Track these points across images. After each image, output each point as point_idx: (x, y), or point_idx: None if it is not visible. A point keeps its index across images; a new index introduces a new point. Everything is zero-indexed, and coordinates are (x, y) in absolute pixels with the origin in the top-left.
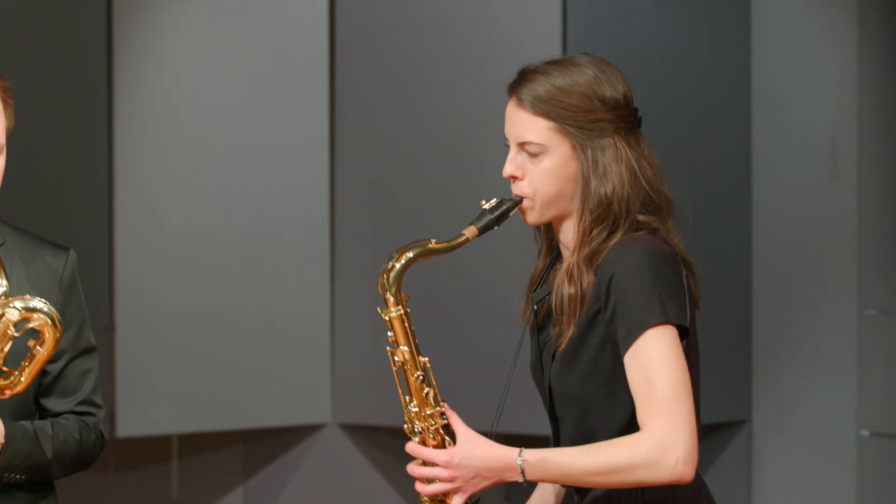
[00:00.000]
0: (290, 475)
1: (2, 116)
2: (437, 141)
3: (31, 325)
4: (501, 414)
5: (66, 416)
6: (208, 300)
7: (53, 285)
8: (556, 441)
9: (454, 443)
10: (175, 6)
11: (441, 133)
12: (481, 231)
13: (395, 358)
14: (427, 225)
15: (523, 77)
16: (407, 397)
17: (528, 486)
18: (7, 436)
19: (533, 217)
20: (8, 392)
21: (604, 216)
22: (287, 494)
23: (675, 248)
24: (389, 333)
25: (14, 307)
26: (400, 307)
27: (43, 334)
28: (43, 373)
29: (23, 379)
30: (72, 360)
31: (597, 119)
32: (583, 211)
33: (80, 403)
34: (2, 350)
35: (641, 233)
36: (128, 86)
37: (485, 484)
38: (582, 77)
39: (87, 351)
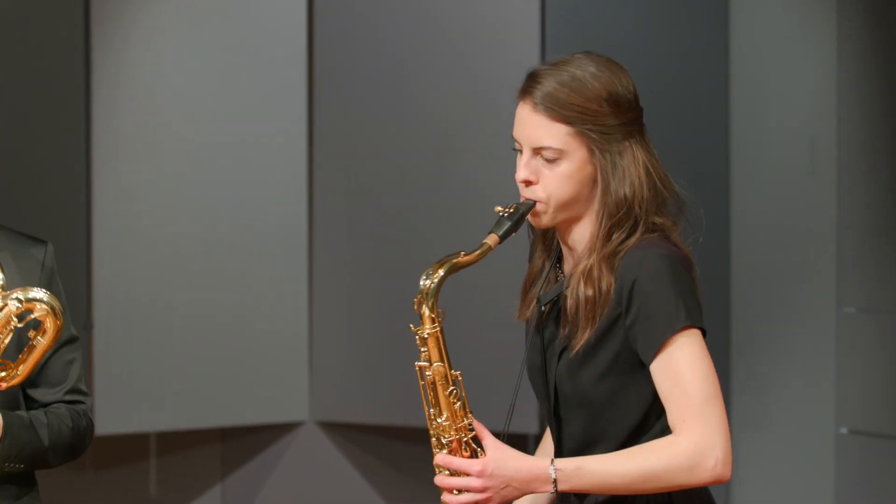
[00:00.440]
0: (269, 473)
1: None
2: (415, 138)
3: (33, 316)
4: (512, 415)
5: (55, 405)
6: (186, 298)
7: (35, 277)
8: (557, 442)
9: (484, 454)
10: (153, 2)
11: (419, 130)
12: (502, 238)
13: (426, 374)
14: (405, 223)
15: (536, 80)
16: (433, 410)
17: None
18: (5, 426)
19: (545, 220)
20: (4, 384)
21: (624, 219)
22: (265, 492)
23: (683, 249)
24: (423, 350)
25: (15, 298)
26: (436, 325)
27: (44, 324)
28: None
29: (20, 371)
30: (56, 351)
31: (614, 122)
32: (602, 213)
33: (69, 392)
34: (2, 342)
35: (655, 235)
36: (105, 82)
37: (514, 495)
38: (597, 80)
39: (70, 341)
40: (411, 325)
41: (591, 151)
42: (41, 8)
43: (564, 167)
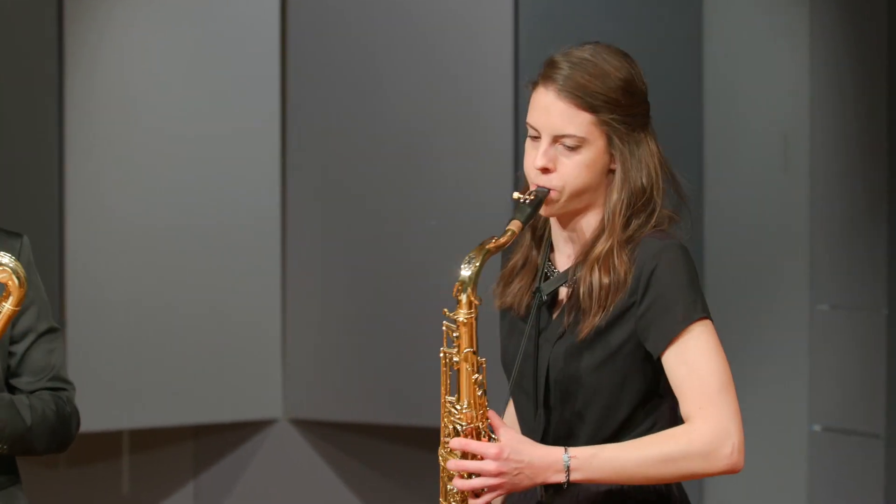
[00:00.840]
0: (241, 471)
1: None
2: (388, 135)
3: None
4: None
5: (39, 392)
6: (159, 295)
7: None
8: (544, 431)
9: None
10: None
11: (392, 126)
12: (524, 223)
13: (454, 359)
14: (378, 220)
15: (558, 67)
16: (453, 397)
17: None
18: None
19: (556, 209)
20: None
21: (642, 208)
22: (238, 490)
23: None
24: (455, 335)
25: None
26: (472, 311)
27: (7, 288)
28: (9, 354)
29: None
30: (36, 340)
31: (633, 112)
32: (619, 202)
33: (52, 380)
34: None
35: (664, 226)
36: (79, 79)
37: (525, 484)
38: (618, 70)
39: (50, 331)
40: (445, 310)
41: (609, 141)
42: (14, 4)
43: (584, 156)
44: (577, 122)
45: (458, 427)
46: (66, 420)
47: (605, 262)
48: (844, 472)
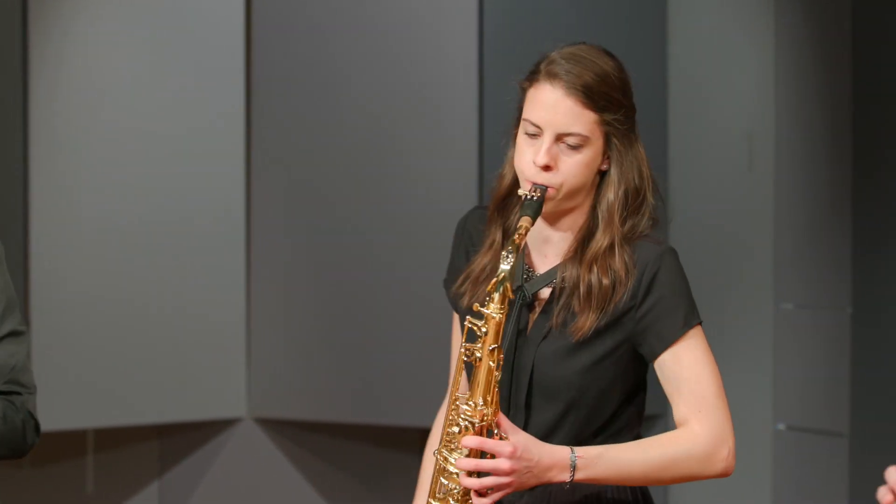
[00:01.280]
0: (206, 470)
1: None
2: (353, 133)
3: None
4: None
5: None
6: (123, 294)
7: None
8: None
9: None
10: None
11: (357, 124)
12: (534, 219)
13: (477, 355)
14: (343, 218)
15: (562, 64)
16: (466, 394)
17: None
18: None
19: (549, 207)
20: None
21: (637, 208)
22: (202, 489)
23: None
24: (484, 330)
25: None
26: (504, 307)
27: None
28: None
29: None
30: None
31: (629, 114)
32: (616, 202)
33: (6, 383)
34: None
35: (649, 228)
36: (43, 76)
37: (531, 483)
38: (616, 72)
39: (13, 334)
40: (476, 305)
41: (607, 141)
42: None
43: (584, 155)
44: (582, 120)
45: (469, 424)
46: (14, 427)
47: (603, 261)
48: (808, 471)
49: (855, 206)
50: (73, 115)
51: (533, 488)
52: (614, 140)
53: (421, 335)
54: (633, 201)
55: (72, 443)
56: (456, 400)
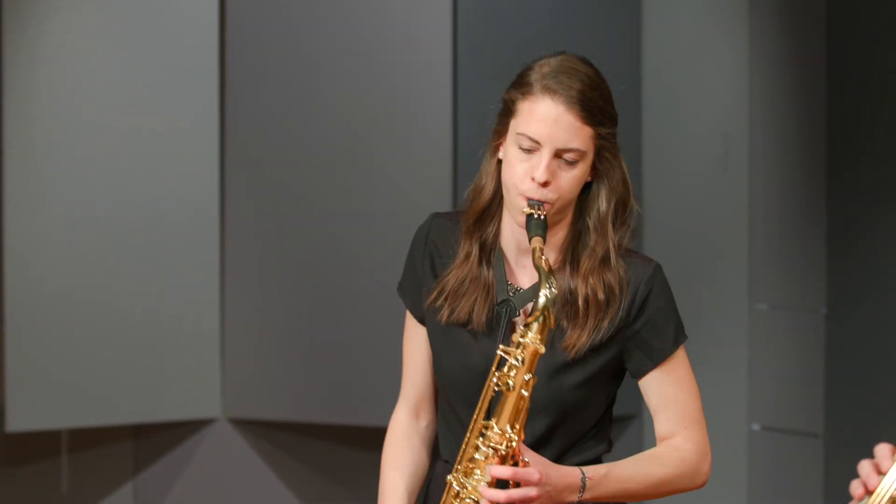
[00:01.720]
0: (181, 470)
1: None
2: (327, 133)
3: None
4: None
5: None
6: (97, 293)
7: None
8: None
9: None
10: None
11: (331, 125)
12: (544, 237)
13: (509, 383)
14: (317, 218)
15: (556, 79)
16: (493, 420)
17: None
18: None
19: None
20: None
21: (623, 222)
22: (177, 489)
23: None
24: (521, 357)
25: None
26: (544, 338)
27: None
28: None
29: None
30: None
31: (616, 127)
32: (608, 213)
33: None
34: None
35: (631, 240)
36: (17, 73)
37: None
38: (604, 82)
39: None
40: (515, 334)
41: (598, 155)
42: None
43: (579, 170)
44: (581, 135)
45: (493, 451)
46: None
47: (598, 274)
48: (783, 472)
49: (829, 207)
50: (48, 114)
51: None
52: (605, 154)
53: (393, 336)
54: (622, 211)
55: (46, 443)
56: (483, 428)
